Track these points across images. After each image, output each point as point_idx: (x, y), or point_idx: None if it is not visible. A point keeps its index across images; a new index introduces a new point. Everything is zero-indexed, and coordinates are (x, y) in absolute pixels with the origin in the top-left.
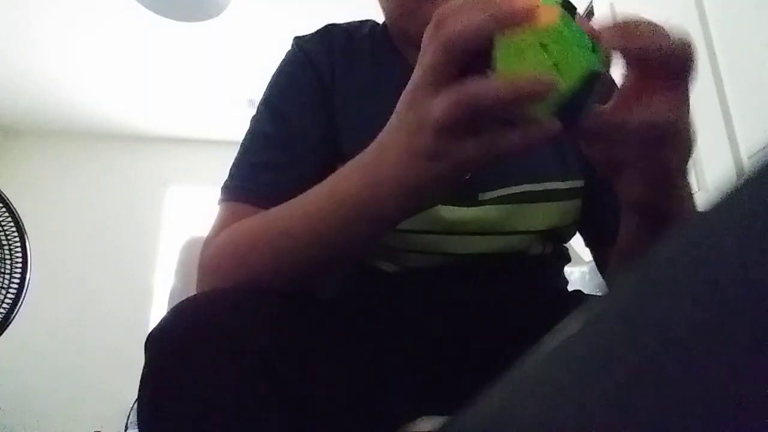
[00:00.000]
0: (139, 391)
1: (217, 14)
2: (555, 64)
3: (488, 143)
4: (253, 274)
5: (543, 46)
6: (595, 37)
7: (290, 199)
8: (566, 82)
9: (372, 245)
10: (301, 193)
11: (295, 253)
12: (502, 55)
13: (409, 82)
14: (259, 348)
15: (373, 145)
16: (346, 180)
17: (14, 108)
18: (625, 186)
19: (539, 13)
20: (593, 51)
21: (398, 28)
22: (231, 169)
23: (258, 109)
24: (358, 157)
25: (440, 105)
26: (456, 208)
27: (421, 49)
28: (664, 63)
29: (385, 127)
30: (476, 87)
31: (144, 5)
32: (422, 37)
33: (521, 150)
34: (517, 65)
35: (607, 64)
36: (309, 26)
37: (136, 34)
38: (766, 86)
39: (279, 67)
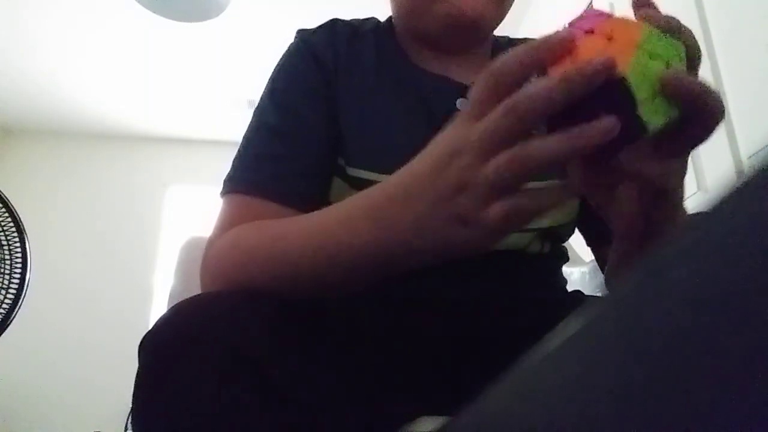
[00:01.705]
0: (134, 393)
1: (217, 14)
2: (667, 63)
3: (517, 204)
4: (256, 283)
5: (652, 56)
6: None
7: (293, 192)
8: (681, 67)
9: (378, 281)
10: (304, 186)
11: (295, 278)
12: (636, 87)
13: (449, 132)
14: (255, 351)
15: (392, 189)
16: (357, 223)
17: (14, 108)
18: (617, 215)
19: (622, 37)
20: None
21: (407, 26)
22: (234, 161)
23: (261, 101)
24: (374, 193)
25: (496, 162)
26: None
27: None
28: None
29: (409, 173)
30: (533, 146)
31: (144, 5)
32: (432, 35)
33: (548, 209)
34: (648, 83)
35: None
36: (309, 26)
37: (136, 34)
38: (766, 86)
39: (282, 60)
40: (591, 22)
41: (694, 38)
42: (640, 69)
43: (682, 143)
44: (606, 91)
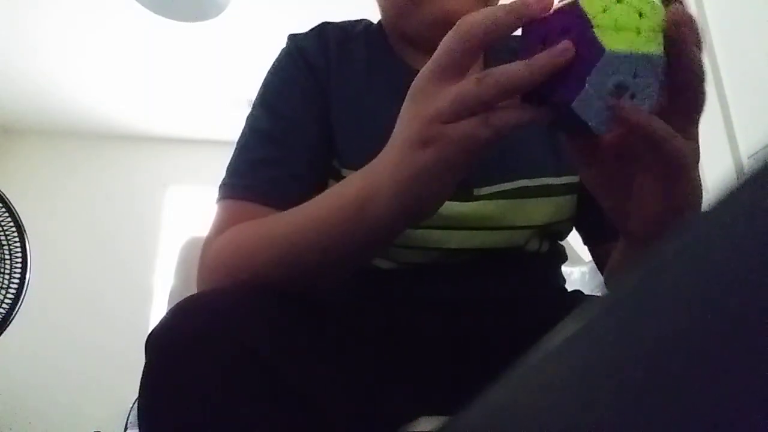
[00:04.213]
0: (140, 391)
1: (217, 14)
2: (639, 13)
3: (478, 122)
4: (253, 278)
5: (619, 0)
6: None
7: (287, 195)
8: (656, 24)
9: (372, 254)
10: (298, 189)
11: (295, 259)
12: (591, 11)
13: (416, 77)
14: (259, 348)
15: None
16: (347, 186)
17: (14, 108)
18: (627, 216)
19: None
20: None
21: (395, 28)
22: (228, 167)
23: (253, 106)
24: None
25: (454, 90)
26: (452, 203)
27: (440, 61)
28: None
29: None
30: (498, 70)
31: (144, 5)
32: (420, 36)
33: (506, 131)
34: (610, 18)
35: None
36: (309, 27)
37: (136, 34)
38: (766, 86)
39: (274, 65)
40: None
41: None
42: (599, 3)
43: (680, 104)
44: (566, 16)
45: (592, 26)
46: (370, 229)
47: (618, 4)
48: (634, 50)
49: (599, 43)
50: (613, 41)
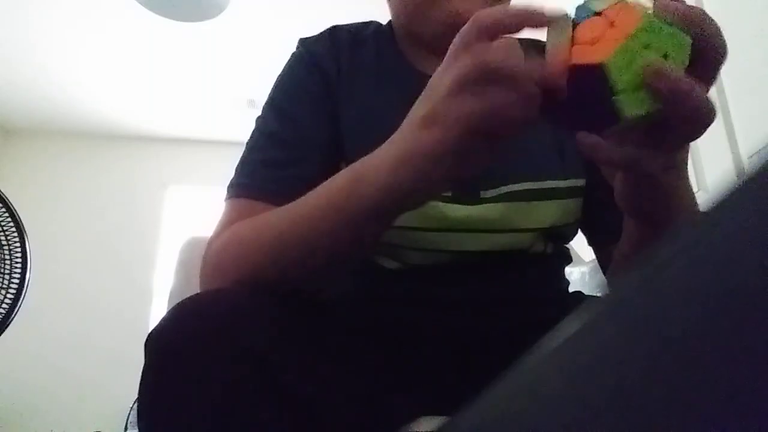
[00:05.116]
0: (139, 391)
1: (217, 14)
2: (665, 55)
3: (473, 98)
4: (254, 273)
5: (647, 47)
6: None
7: (294, 195)
8: (680, 62)
9: (369, 244)
10: (305, 189)
11: (295, 251)
12: (616, 75)
13: (429, 81)
14: (259, 348)
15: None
16: (343, 171)
17: (14, 108)
18: (620, 191)
19: (622, 24)
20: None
21: (406, 30)
22: (236, 168)
23: (263, 109)
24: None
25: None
26: (458, 205)
27: (451, 51)
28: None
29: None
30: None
31: (144, 5)
32: (430, 38)
33: (500, 108)
34: (632, 72)
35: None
36: (308, 26)
37: (136, 34)
38: (766, 86)
39: (284, 69)
40: (606, 3)
41: (716, 33)
42: (626, 58)
43: (670, 137)
44: (588, 75)
45: (613, 93)
46: (356, 208)
47: (644, 51)
48: (652, 108)
49: (618, 110)
50: (632, 105)
